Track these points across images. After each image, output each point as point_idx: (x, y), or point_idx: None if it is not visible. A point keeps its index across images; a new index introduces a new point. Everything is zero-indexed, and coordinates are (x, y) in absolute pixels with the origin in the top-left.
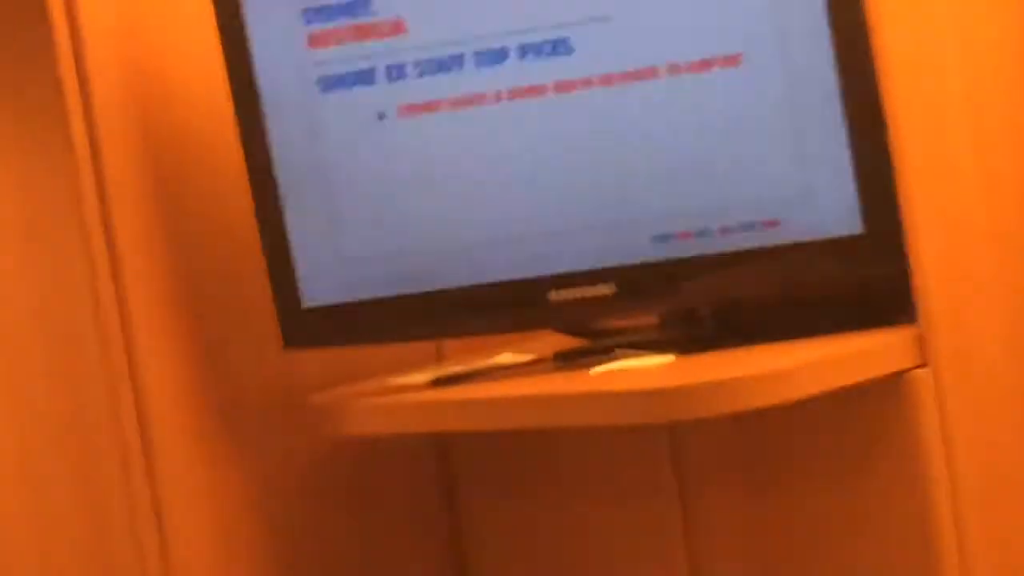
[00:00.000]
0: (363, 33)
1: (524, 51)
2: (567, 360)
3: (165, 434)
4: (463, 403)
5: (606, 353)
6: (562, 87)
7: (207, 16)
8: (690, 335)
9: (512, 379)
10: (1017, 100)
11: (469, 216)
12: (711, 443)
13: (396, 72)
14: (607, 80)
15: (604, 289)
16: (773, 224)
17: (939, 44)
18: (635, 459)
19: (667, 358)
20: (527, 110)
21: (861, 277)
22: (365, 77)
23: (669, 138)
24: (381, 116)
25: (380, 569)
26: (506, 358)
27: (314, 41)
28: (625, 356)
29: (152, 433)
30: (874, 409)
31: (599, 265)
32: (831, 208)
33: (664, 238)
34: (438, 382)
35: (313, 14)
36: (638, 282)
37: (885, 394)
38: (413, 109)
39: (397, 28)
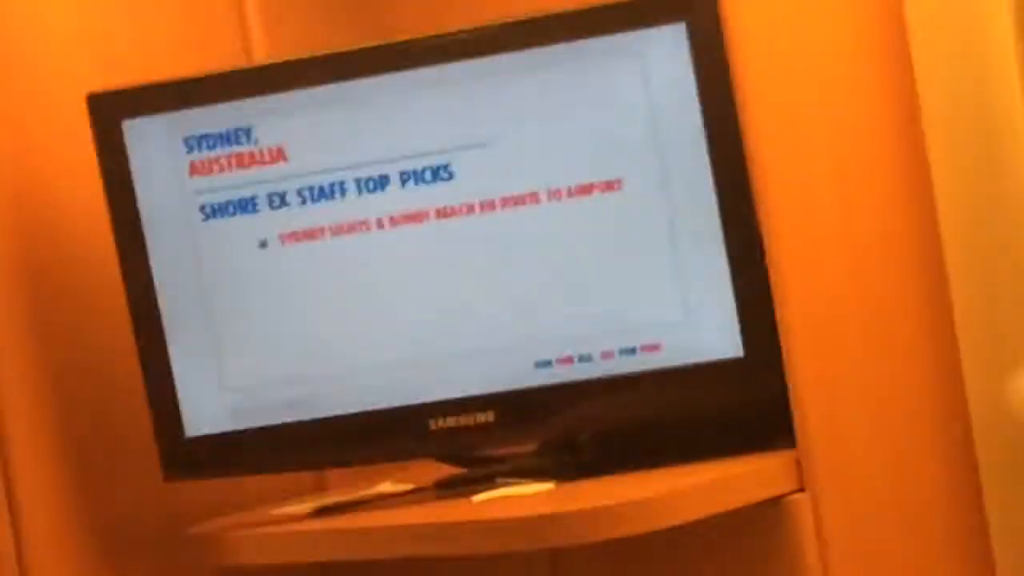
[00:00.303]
0: (244, 161)
1: (405, 177)
2: (448, 488)
3: (44, 566)
4: (345, 532)
5: (487, 481)
6: (443, 213)
7: (89, 144)
8: (570, 462)
9: (394, 508)
10: (890, 216)
11: (351, 344)
12: (593, 569)
13: (278, 200)
14: (488, 206)
15: (484, 417)
16: (654, 348)
17: (814, 168)
18: None
19: (547, 485)
20: (409, 236)
21: (741, 401)
22: (247, 205)
23: (550, 263)
24: (263, 244)
25: None
26: (387, 487)
27: (195, 169)
28: (505, 484)
29: (30, 564)
30: (754, 533)
31: (480, 392)
32: (711, 332)
33: (545, 364)
34: (320, 512)
35: (195, 142)
36: (519, 409)
37: (765, 518)
38: (295, 236)
39: (278, 156)
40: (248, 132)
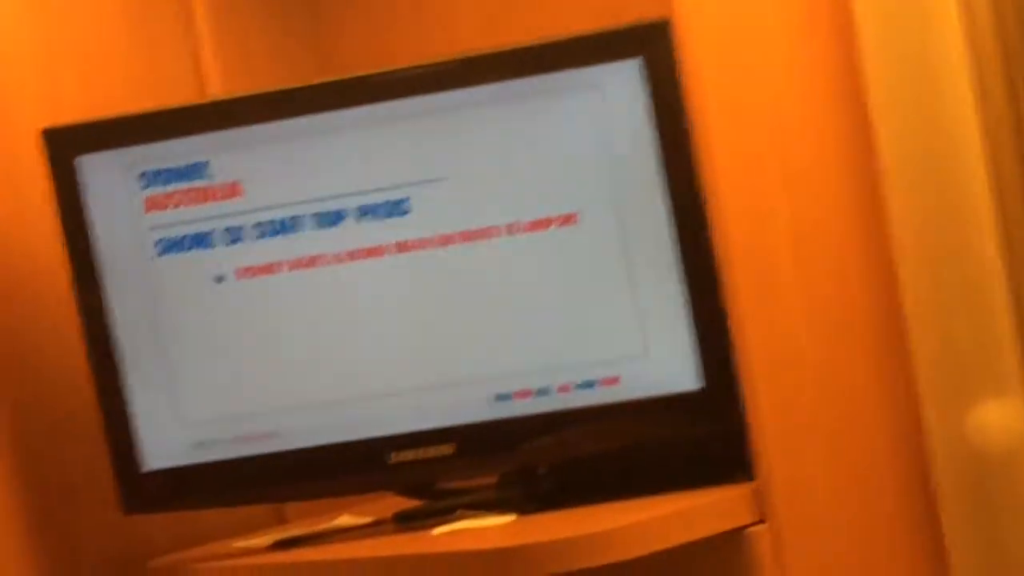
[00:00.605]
0: (200, 197)
1: (362, 212)
2: (408, 521)
3: None
4: (306, 565)
5: (447, 513)
6: (401, 247)
7: (43, 180)
8: (530, 494)
9: (354, 541)
10: (845, 251)
11: (308, 378)
12: None
13: (234, 235)
14: (445, 240)
15: (444, 449)
16: (612, 381)
17: (770, 201)
18: None
19: (507, 518)
20: (366, 271)
21: (699, 433)
22: (202, 240)
23: (507, 297)
24: (219, 279)
25: None
26: (347, 520)
27: (151, 205)
28: (465, 516)
29: None
30: (714, 565)
31: (439, 425)
32: (668, 365)
33: (503, 397)
34: (280, 545)
35: (150, 177)
36: (478, 442)
37: (725, 550)
38: (251, 271)
39: (234, 191)
40: (204, 167)
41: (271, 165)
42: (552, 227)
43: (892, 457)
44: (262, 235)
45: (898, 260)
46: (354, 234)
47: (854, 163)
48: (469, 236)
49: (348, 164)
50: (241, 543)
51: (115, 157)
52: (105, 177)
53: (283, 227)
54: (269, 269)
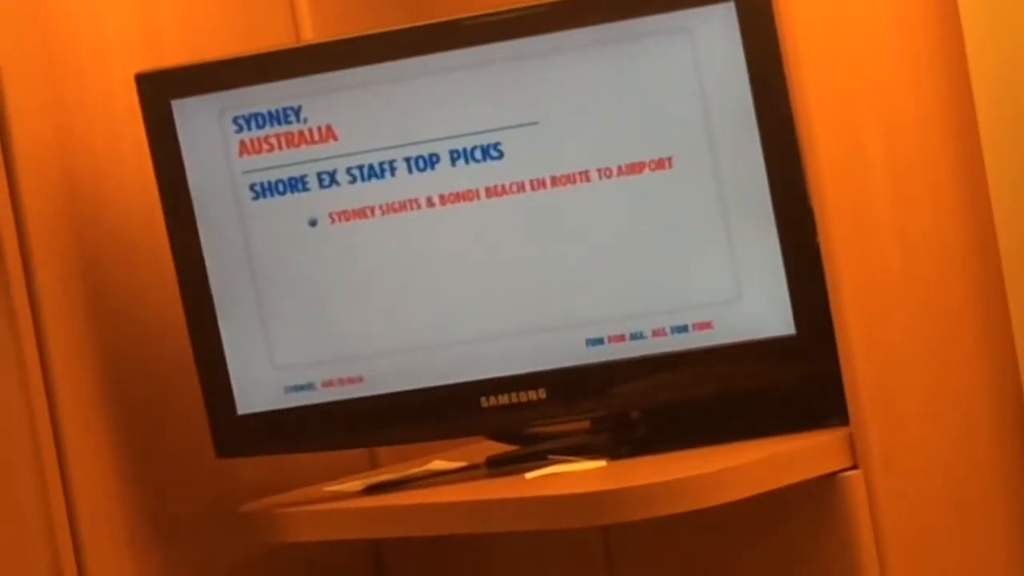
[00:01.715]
0: (294, 141)
1: (455, 156)
2: (500, 466)
3: (97, 544)
4: (397, 510)
5: (539, 458)
6: (493, 192)
7: (138, 125)
8: (622, 439)
9: (446, 485)
10: (942, 197)
11: (400, 322)
12: (645, 546)
13: (327, 179)
14: (538, 184)
15: (536, 394)
16: (705, 326)
17: (865, 146)
18: (569, 563)
19: (599, 463)
20: (459, 215)
21: (793, 378)
22: (296, 184)
23: (600, 241)
24: (313, 223)
25: None
26: (439, 464)
27: (245, 149)
28: (557, 461)
29: (84, 543)
30: (806, 510)
31: (531, 370)
32: (763, 310)
33: (596, 342)
34: (372, 489)
35: (243, 122)
36: (570, 386)
37: (817, 495)
38: (345, 215)
39: (328, 135)
40: (297, 111)
41: (364, 109)
42: (645, 171)
43: (989, 400)
44: (355, 179)
45: (995, 198)
46: (446, 178)
47: (951, 103)
48: (562, 180)
49: (441, 108)
50: (333, 487)
51: (209, 101)
52: (199, 121)
53: (376, 171)
54: (362, 213)
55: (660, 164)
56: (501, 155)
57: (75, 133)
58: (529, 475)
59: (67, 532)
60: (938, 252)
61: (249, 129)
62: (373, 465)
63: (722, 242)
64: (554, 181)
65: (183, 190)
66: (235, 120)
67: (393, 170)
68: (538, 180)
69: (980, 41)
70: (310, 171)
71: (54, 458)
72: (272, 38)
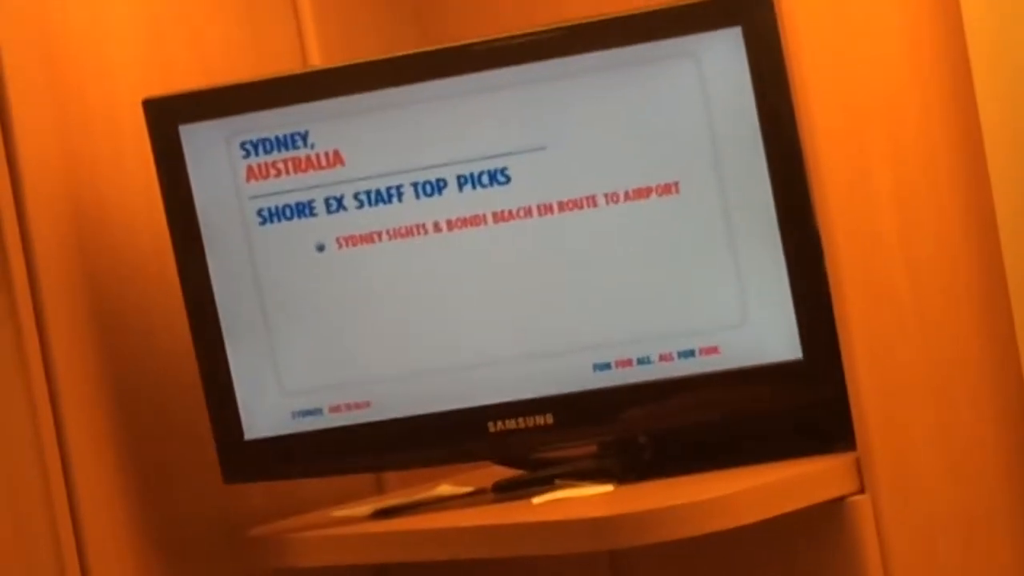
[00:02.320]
0: (301, 166)
1: (462, 181)
2: (507, 491)
3: (104, 567)
4: (405, 534)
5: (546, 483)
6: (500, 217)
7: (146, 151)
8: (629, 464)
9: (453, 510)
10: (949, 220)
11: (408, 347)
12: (652, 570)
13: (335, 204)
14: (545, 209)
15: (543, 419)
16: (712, 351)
17: (872, 169)
18: None
19: (606, 487)
20: (466, 240)
21: (800, 403)
22: (304, 209)
23: (608, 266)
24: (320, 247)
25: None
26: (446, 489)
27: (252, 174)
28: (565, 486)
29: (91, 568)
30: (814, 535)
31: (538, 395)
32: (770, 334)
33: (604, 367)
34: (380, 514)
35: (251, 147)
36: (577, 411)
37: (825, 520)
38: (352, 240)
39: (335, 160)
40: (304, 136)
41: (372, 134)
42: (652, 196)
43: (996, 424)
44: (363, 204)
45: (1001, 222)
46: (454, 203)
47: (958, 129)
48: (569, 205)
49: (448, 133)
50: (341, 512)
51: (216, 127)
52: (207, 146)
53: (384, 196)
54: (370, 238)
55: (667, 189)
56: (508, 180)
57: (82, 157)
58: (536, 500)
59: (75, 557)
60: (944, 276)
61: (256, 154)
62: (380, 490)
63: (729, 267)
64: (561, 206)
65: (191, 215)
66: (243, 145)
67: (400, 195)
68: (545, 205)
69: (986, 67)
70: (317, 196)
71: (61, 483)
72: (279, 63)
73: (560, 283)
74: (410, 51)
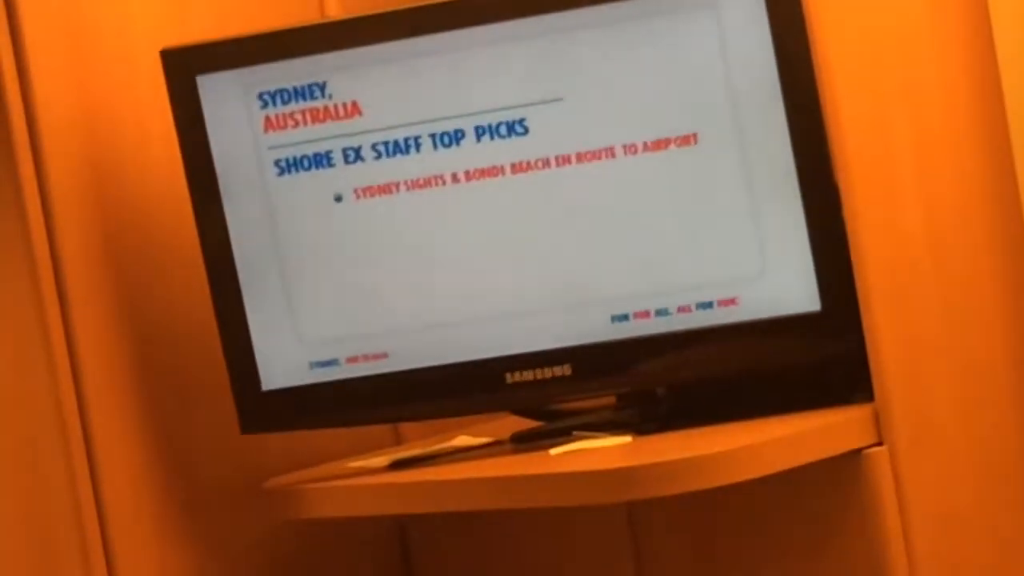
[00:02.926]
0: (319, 116)
1: (480, 132)
2: (525, 442)
3: (122, 518)
4: (422, 486)
5: (564, 434)
6: (518, 168)
7: (163, 102)
8: (647, 415)
9: (471, 461)
10: (968, 173)
11: (425, 298)
12: (670, 522)
13: (353, 154)
14: (563, 160)
15: (561, 370)
16: (730, 302)
17: (890, 121)
18: (594, 538)
19: (624, 439)
20: (484, 191)
21: (818, 355)
22: (321, 160)
23: (626, 218)
24: (338, 198)
25: None
26: (463, 440)
27: (270, 125)
28: (582, 437)
29: (109, 518)
30: (832, 487)
31: (556, 346)
32: (788, 286)
33: (622, 318)
34: (397, 465)
35: (269, 98)
36: (595, 363)
37: (843, 472)
38: (370, 191)
39: (353, 111)
40: (322, 87)
41: (390, 85)
42: (671, 147)
43: (1016, 377)
44: (380, 155)
45: (1020, 174)
46: (472, 154)
47: (977, 79)
48: (587, 157)
49: (466, 84)
50: (358, 463)
51: (234, 77)
52: (224, 97)
53: (401, 147)
54: (387, 189)
55: (685, 140)
56: (526, 131)
57: (101, 110)
58: (554, 451)
59: (93, 508)
60: (963, 227)
61: (274, 105)
62: (398, 441)
63: (747, 218)
64: (579, 157)
65: (208, 166)
66: (260, 96)
67: (418, 146)
68: (563, 156)
69: (1007, 14)
70: (335, 147)
71: (80, 434)
72: (297, 14)
73: (578, 234)
74: (428, 1)
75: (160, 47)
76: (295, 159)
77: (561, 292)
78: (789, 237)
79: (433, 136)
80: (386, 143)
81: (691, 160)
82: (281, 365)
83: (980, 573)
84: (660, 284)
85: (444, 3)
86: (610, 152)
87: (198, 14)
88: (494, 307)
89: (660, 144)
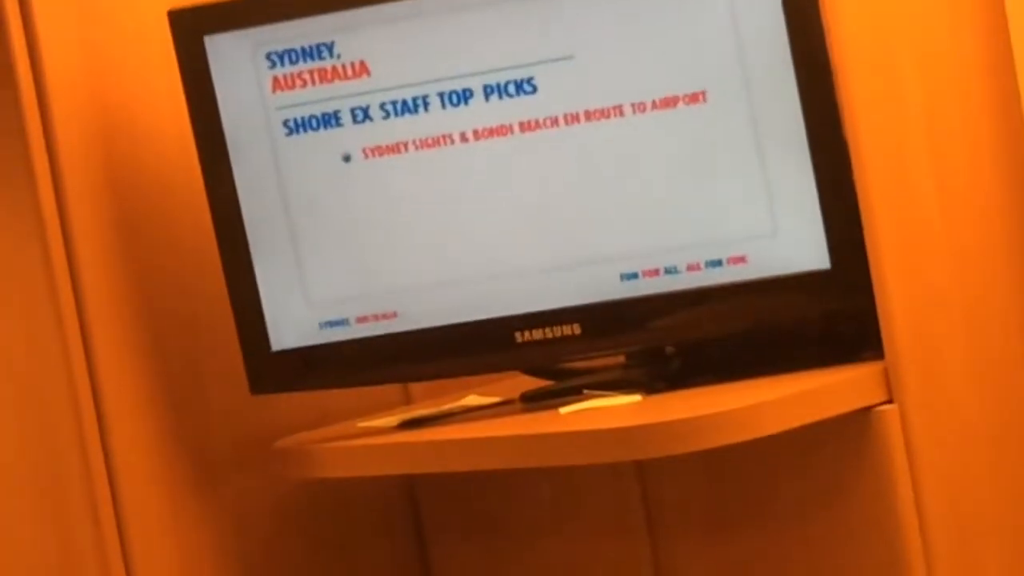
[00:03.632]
0: (327, 76)
1: (489, 91)
2: (535, 401)
3: (132, 479)
4: (432, 445)
5: (574, 393)
6: (527, 126)
7: (171, 62)
8: (657, 374)
9: (480, 420)
10: (978, 132)
11: (435, 257)
12: (680, 481)
13: (361, 114)
14: (572, 119)
15: (571, 329)
16: (740, 260)
17: (901, 79)
18: (605, 498)
19: (634, 397)
20: (492, 150)
21: (828, 313)
22: (330, 120)
23: (635, 176)
24: (347, 158)
25: None
26: (473, 400)
27: (278, 85)
28: (592, 396)
29: (119, 478)
30: (842, 445)
31: (565, 305)
32: (798, 244)
33: (630, 276)
34: (407, 425)
35: (277, 58)
36: (605, 321)
37: (852, 430)
38: (378, 151)
39: (361, 70)
40: (330, 47)
41: (397, 44)
42: (679, 105)
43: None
44: (388, 115)
45: None
46: (480, 113)
47: (988, 38)
48: (595, 115)
49: (474, 43)
50: (367, 423)
51: (242, 37)
52: (232, 57)
53: (410, 106)
54: (395, 149)
55: (694, 98)
56: (535, 90)
57: (108, 71)
58: (564, 410)
59: (103, 469)
60: (974, 185)
61: (282, 65)
62: (407, 401)
63: (757, 176)
64: (588, 116)
65: (216, 126)
66: (268, 56)
67: (427, 105)
68: (572, 115)
69: None
70: (343, 107)
71: (90, 395)
72: None
73: (587, 193)
74: None
75: (168, 6)
76: (303, 119)
77: (570, 251)
78: (799, 195)
79: (441, 95)
80: (394, 103)
81: (700, 118)
82: (290, 325)
83: (991, 531)
84: (669, 242)
85: None
86: (619, 110)
87: None
88: (503, 266)
89: (669, 102)
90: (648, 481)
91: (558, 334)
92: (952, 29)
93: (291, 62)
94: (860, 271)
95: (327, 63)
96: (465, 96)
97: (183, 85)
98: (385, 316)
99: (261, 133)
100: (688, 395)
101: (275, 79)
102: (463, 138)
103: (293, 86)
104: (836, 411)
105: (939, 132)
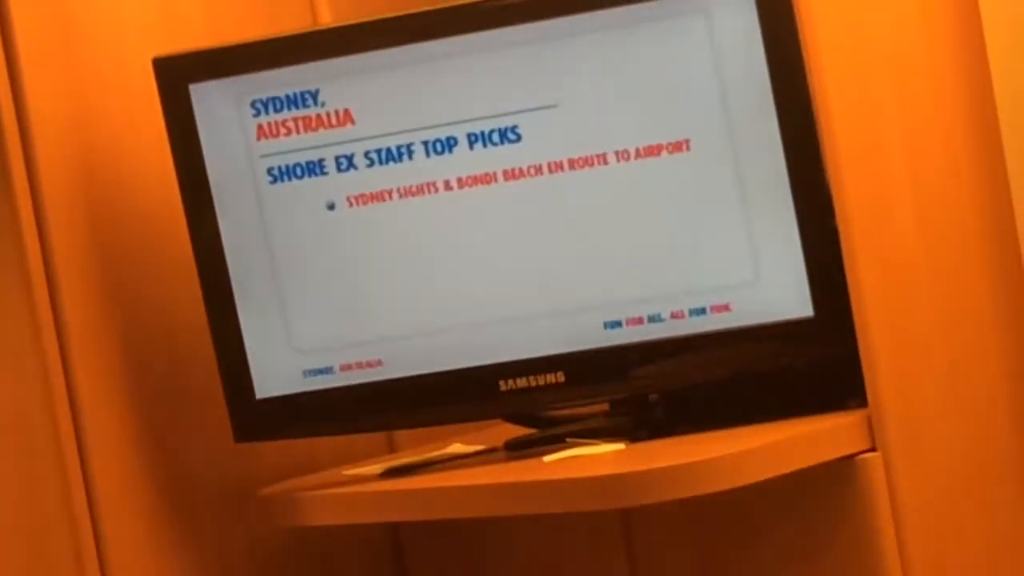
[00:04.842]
0: (312, 124)
1: (473, 139)
2: (518, 449)
3: (116, 527)
4: (416, 493)
5: (557, 441)
6: (511, 175)
7: (156, 110)
8: (641, 422)
9: (464, 468)
10: (961, 180)
11: (419, 305)
12: (663, 528)
13: (345, 162)
14: (556, 167)
15: (554, 377)
16: (724, 308)
17: (884, 127)
18: (588, 546)
19: (618, 445)
20: (477, 198)
21: (811, 360)
22: (314, 168)
23: (618, 224)
24: (331, 206)
25: None
26: (457, 448)
27: (263, 133)
28: (576, 444)
29: (103, 526)
30: (825, 493)
31: (549, 353)
32: (781, 292)
33: (615, 325)
34: (391, 472)
35: (261, 106)
36: (589, 369)
37: (836, 478)
38: (363, 199)
39: (346, 119)
40: (315, 95)
41: (382, 93)
42: (663, 154)
43: (1008, 384)
44: (373, 163)
45: (1013, 180)
46: (464, 161)
47: (969, 85)
48: (579, 163)
49: (459, 91)
50: (352, 471)
51: (227, 85)
52: (217, 105)
53: (394, 155)
54: (380, 197)
55: (678, 146)
56: (519, 138)
57: (94, 119)
58: (547, 458)
59: (87, 516)
60: (958, 234)
61: (267, 113)
62: (391, 449)
63: (740, 224)
64: (572, 164)
65: (201, 174)
66: (253, 104)
67: (411, 153)
68: (556, 163)
69: (999, 20)
70: (328, 155)
71: (73, 441)
72: (290, 21)
73: (571, 241)
74: (421, 9)
75: (153, 54)
76: (288, 167)
77: (554, 299)
78: (782, 243)
79: (426, 143)
80: (379, 151)
81: (683, 166)
82: (274, 373)
83: None
84: (653, 290)
85: (437, 10)
86: (603, 159)
87: (190, 21)
88: (487, 314)
89: (652, 150)
90: (632, 529)
91: (542, 382)
92: (933, 78)
93: (276, 110)
94: (843, 319)
95: (312, 111)
96: (449, 144)
97: (168, 133)
98: (369, 364)
99: (246, 181)
100: (671, 443)
101: (260, 127)
102: (447, 186)
103: (278, 134)
104: (819, 459)
105: (921, 181)
